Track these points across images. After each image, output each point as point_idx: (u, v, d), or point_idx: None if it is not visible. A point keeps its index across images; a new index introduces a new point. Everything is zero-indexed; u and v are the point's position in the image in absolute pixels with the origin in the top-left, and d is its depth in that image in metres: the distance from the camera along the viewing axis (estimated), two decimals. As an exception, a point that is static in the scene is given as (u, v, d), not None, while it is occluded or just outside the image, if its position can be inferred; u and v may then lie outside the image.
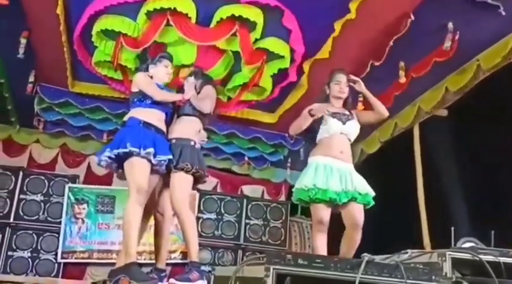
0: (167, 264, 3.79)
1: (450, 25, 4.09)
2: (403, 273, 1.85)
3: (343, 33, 4.26)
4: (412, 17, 4.06)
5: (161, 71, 3.62)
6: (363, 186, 3.50)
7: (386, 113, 3.70)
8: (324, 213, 3.49)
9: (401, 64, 4.71)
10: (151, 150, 3.24)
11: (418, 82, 4.83)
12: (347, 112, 3.69)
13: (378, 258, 1.95)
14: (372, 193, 3.52)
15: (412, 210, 5.28)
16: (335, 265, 1.81)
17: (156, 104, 3.43)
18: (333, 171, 3.46)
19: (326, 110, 3.52)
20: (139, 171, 3.24)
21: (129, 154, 3.22)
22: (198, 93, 3.58)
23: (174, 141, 3.45)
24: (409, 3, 4.02)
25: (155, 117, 3.43)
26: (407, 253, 2.22)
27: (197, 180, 3.51)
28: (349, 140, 3.66)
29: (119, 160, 3.30)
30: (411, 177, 5.41)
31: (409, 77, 4.72)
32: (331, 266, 1.80)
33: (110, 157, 3.28)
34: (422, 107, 5.29)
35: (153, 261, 3.66)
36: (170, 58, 3.76)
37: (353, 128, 3.66)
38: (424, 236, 5.07)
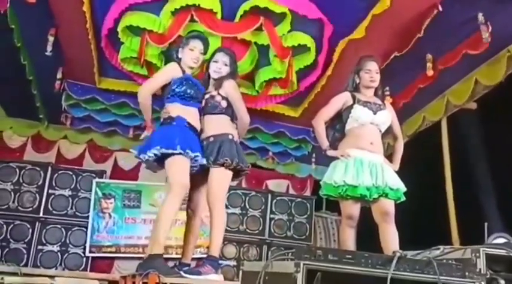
0: (192, 259, 3.80)
1: (480, 16, 3.98)
2: (436, 269, 1.81)
3: (370, 26, 4.18)
4: (440, 8, 3.96)
5: (187, 56, 3.50)
6: (394, 181, 3.41)
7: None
8: (353, 208, 3.44)
9: (429, 56, 4.62)
10: (198, 154, 3.26)
11: (447, 74, 4.72)
12: (378, 102, 3.58)
13: (409, 254, 1.91)
14: (404, 188, 3.43)
15: (440, 205, 5.19)
16: (366, 260, 1.78)
17: (192, 101, 3.39)
18: (364, 165, 3.38)
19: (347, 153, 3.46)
20: (183, 169, 3.23)
21: (175, 153, 3.20)
22: (220, 87, 3.49)
23: (212, 138, 3.41)
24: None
25: (195, 117, 3.41)
26: (439, 248, 2.17)
27: (237, 173, 3.48)
28: (380, 131, 3.57)
29: (161, 157, 3.26)
30: (439, 172, 5.31)
31: (437, 69, 4.62)
32: (362, 262, 1.77)
33: (155, 154, 3.23)
34: (451, 100, 5.17)
35: (180, 255, 3.69)
36: (199, 38, 3.58)
37: (384, 118, 3.56)
38: (452, 232, 4.98)
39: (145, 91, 3.42)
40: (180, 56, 3.52)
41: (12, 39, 4.53)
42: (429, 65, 4.56)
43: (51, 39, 4.51)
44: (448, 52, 4.50)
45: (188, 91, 3.38)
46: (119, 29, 4.46)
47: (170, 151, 3.19)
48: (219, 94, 3.47)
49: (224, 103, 3.47)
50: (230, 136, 3.43)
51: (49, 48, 4.51)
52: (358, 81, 3.62)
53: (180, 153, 3.19)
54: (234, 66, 3.61)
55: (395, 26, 4.25)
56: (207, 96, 3.51)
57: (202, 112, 3.51)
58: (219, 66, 3.54)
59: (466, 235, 4.76)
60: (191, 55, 3.50)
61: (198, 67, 3.67)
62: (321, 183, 3.61)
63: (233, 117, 3.53)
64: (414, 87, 5.06)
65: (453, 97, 5.14)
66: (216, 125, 3.46)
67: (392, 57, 4.52)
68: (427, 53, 4.57)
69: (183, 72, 3.46)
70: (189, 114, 3.39)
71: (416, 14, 4.07)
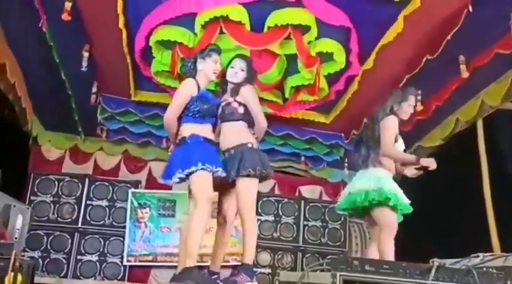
0: (226, 267, 3.81)
1: (512, 16, 3.89)
2: (476, 279, 1.78)
3: (400, 29, 4.14)
4: (471, 9, 3.89)
5: (209, 67, 3.46)
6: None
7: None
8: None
9: (462, 58, 4.53)
10: (220, 169, 3.27)
11: (481, 75, 4.62)
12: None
13: (447, 263, 1.89)
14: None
15: (478, 210, 5.06)
16: (404, 270, 1.77)
17: (204, 118, 3.38)
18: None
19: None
20: (208, 183, 3.25)
21: (198, 169, 3.22)
22: (236, 93, 3.48)
23: (232, 151, 3.41)
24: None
25: (209, 133, 3.41)
26: (478, 256, 2.12)
27: (263, 178, 3.47)
28: None
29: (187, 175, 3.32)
30: (476, 175, 5.19)
31: (471, 70, 4.53)
32: (399, 272, 1.76)
33: (180, 178, 3.27)
34: (486, 101, 5.05)
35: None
36: (219, 52, 3.56)
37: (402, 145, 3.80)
38: (492, 238, 4.85)
39: (170, 119, 3.41)
40: (199, 67, 3.48)
41: (50, 56, 4.67)
42: (463, 66, 4.47)
43: (85, 55, 4.62)
44: (481, 52, 4.40)
45: (201, 109, 3.36)
46: (151, 44, 4.54)
47: (193, 168, 3.21)
48: (235, 100, 3.46)
49: (241, 110, 3.45)
50: (249, 145, 3.41)
51: (84, 63, 4.62)
52: (396, 108, 3.71)
53: (202, 169, 3.21)
54: (250, 71, 3.59)
55: (427, 28, 4.20)
56: (223, 103, 3.51)
57: (220, 120, 3.50)
58: (236, 71, 3.54)
59: (507, 242, 4.62)
60: (214, 68, 3.49)
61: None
62: None
63: (250, 123, 3.51)
64: (448, 90, 4.97)
65: (488, 98, 5.02)
66: (235, 135, 3.45)
67: (425, 60, 4.45)
68: (460, 55, 4.49)
69: (198, 87, 3.42)
70: (203, 130, 3.38)
71: (446, 14, 4.01)
